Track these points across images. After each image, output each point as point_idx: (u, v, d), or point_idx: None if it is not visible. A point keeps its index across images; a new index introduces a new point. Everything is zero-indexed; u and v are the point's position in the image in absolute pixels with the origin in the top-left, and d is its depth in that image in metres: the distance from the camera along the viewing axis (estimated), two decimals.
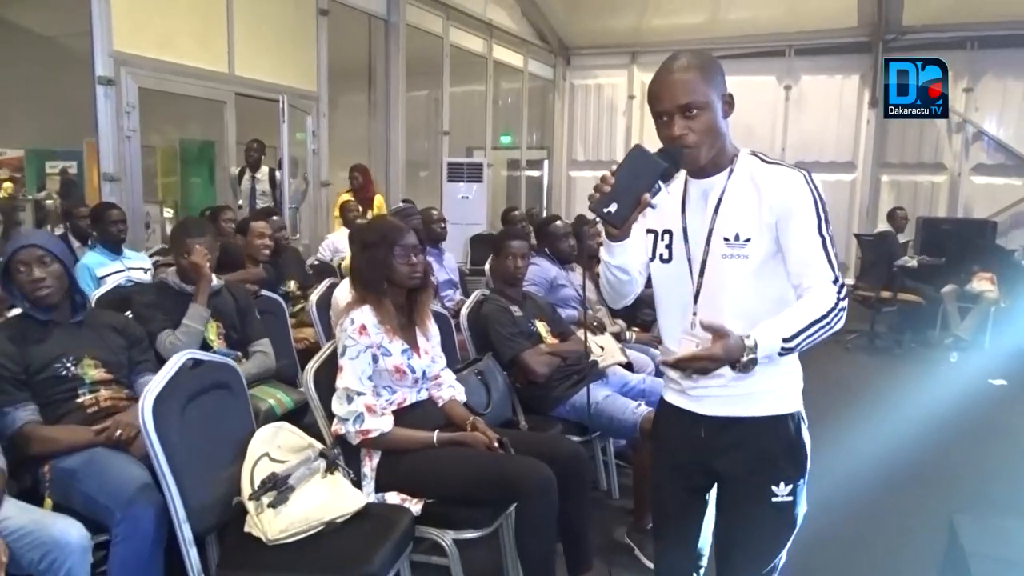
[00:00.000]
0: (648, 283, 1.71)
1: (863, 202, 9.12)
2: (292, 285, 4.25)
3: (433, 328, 2.50)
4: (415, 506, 2.21)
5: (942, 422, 4.38)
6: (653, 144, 1.54)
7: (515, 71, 9.74)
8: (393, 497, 2.24)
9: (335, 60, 6.72)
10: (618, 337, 3.80)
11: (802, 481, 1.59)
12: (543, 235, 4.11)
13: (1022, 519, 3.10)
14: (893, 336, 7.15)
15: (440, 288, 4.16)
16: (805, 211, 1.49)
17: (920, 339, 7.05)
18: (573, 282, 3.97)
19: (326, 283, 3.59)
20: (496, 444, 2.30)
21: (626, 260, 1.59)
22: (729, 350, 1.39)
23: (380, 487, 2.26)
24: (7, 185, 8.33)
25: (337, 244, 5.43)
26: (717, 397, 1.58)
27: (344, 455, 2.21)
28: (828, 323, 1.44)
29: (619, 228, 1.50)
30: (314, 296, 3.51)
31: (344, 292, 3.19)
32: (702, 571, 1.79)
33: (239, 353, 2.81)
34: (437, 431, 2.32)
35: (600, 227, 1.56)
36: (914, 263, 7.15)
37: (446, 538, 2.22)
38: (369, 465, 2.27)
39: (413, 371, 2.33)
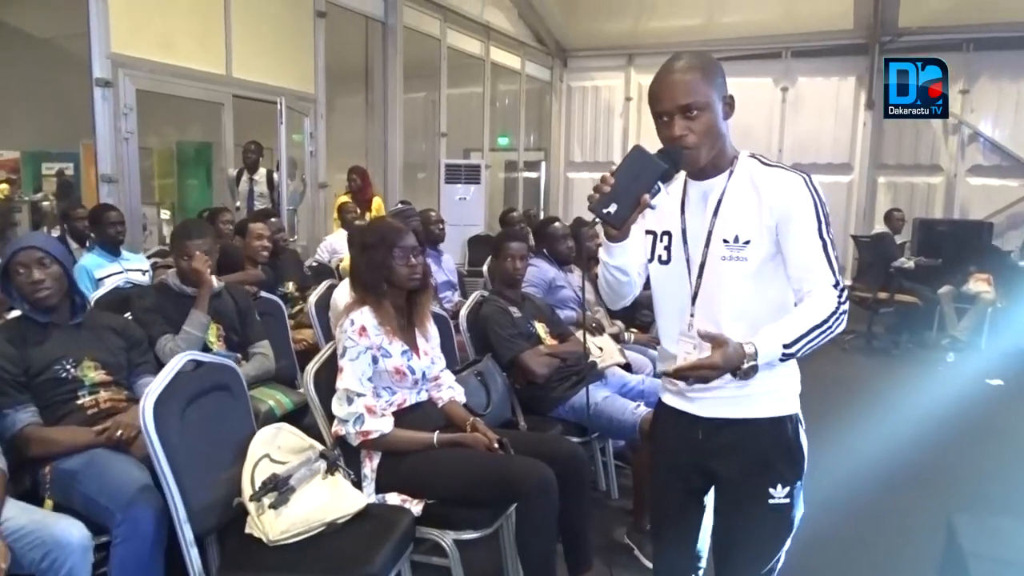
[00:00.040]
0: (646, 285, 1.70)
1: (859, 203, 9.15)
2: (291, 286, 4.25)
3: (432, 329, 2.50)
4: (415, 507, 2.21)
5: (939, 422, 4.39)
6: (652, 145, 1.54)
7: (512, 73, 9.76)
8: (393, 498, 2.24)
9: (332, 62, 6.72)
10: (617, 338, 3.81)
11: (799, 483, 1.59)
12: (541, 236, 4.12)
13: (1020, 519, 3.11)
14: (890, 337, 7.17)
15: (439, 289, 4.16)
16: (805, 214, 1.49)
17: (917, 340, 7.07)
18: (571, 283, 3.97)
19: (325, 284, 3.59)
20: (496, 445, 2.30)
21: (625, 261, 1.59)
22: (728, 358, 1.39)
23: (380, 488, 2.26)
24: (3, 187, 8.33)
25: (335, 245, 5.43)
26: (714, 399, 1.58)
27: (344, 456, 2.22)
28: (829, 328, 1.44)
29: (618, 229, 1.49)
30: (313, 297, 3.51)
31: (343, 293, 3.19)
32: (701, 572, 1.79)
33: (239, 355, 2.81)
34: (437, 432, 2.32)
35: (599, 228, 1.56)
36: (911, 264, 7.18)
37: (446, 539, 2.22)
38: (369, 466, 2.27)
39: (413, 372, 2.33)
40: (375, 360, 2.27)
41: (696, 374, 1.42)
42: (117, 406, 2.27)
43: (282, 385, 2.99)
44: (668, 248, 1.63)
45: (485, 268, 4.97)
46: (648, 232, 1.66)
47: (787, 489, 1.57)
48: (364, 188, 6.32)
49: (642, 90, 10.09)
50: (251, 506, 1.95)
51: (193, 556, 1.86)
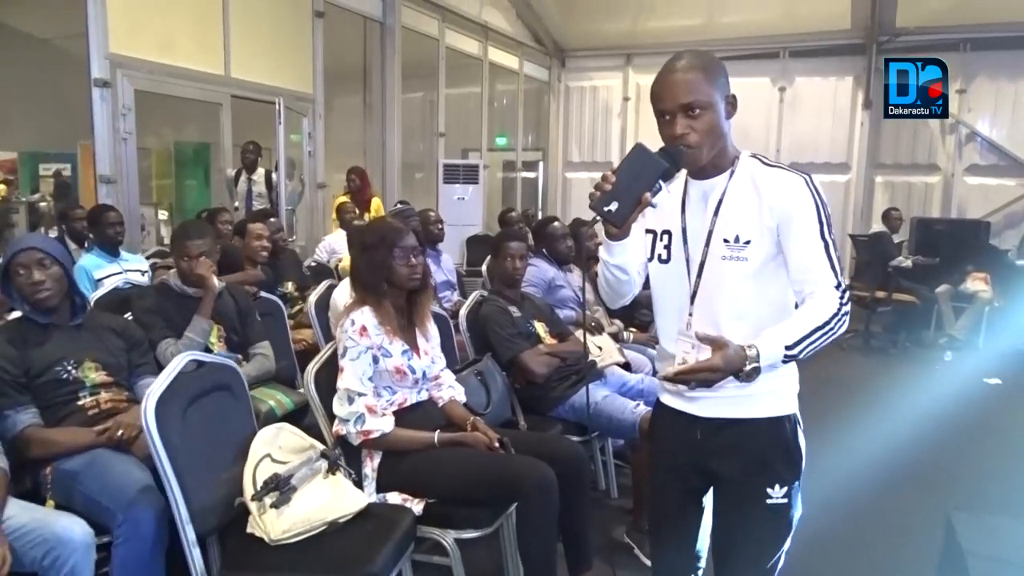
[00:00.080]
0: (645, 285, 1.70)
1: (857, 203, 9.16)
2: (290, 287, 4.25)
3: (433, 329, 2.50)
4: (416, 506, 2.21)
5: (937, 421, 4.41)
6: (652, 145, 1.54)
7: (511, 73, 9.76)
8: (394, 497, 2.24)
9: (331, 63, 6.72)
10: (616, 337, 3.82)
11: (797, 484, 1.60)
12: (541, 236, 4.13)
13: (1018, 517, 3.12)
14: (888, 336, 7.18)
15: (438, 289, 4.16)
16: (807, 216, 1.49)
17: (915, 339, 7.09)
18: (571, 283, 3.98)
19: (324, 284, 3.60)
20: (497, 444, 2.31)
21: (625, 260, 1.59)
22: (729, 360, 1.39)
23: (381, 487, 2.26)
24: (0, 188, 8.30)
25: (334, 245, 5.43)
26: (713, 398, 1.58)
27: (345, 456, 2.22)
28: (831, 329, 1.44)
29: (619, 227, 1.49)
30: (313, 297, 3.51)
31: (343, 293, 3.19)
32: (700, 572, 1.79)
33: (239, 356, 2.81)
34: (438, 431, 2.32)
35: (597, 228, 1.56)
36: (909, 263, 7.19)
37: (447, 538, 2.22)
38: (370, 465, 2.28)
39: (413, 372, 2.34)
40: (376, 360, 2.27)
41: (698, 377, 1.41)
42: (118, 407, 2.27)
43: (282, 385, 2.99)
44: (668, 247, 1.63)
45: (484, 268, 4.97)
46: (648, 231, 1.66)
47: (785, 489, 1.57)
48: (363, 188, 6.32)
49: (640, 90, 10.12)
50: (253, 506, 1.96)
51: (195, 556, 1.86)
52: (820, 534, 2.20)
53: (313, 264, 5.25)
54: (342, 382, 2.24)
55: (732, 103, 1.54)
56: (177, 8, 5.23)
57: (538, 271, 3.85)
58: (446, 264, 4.85)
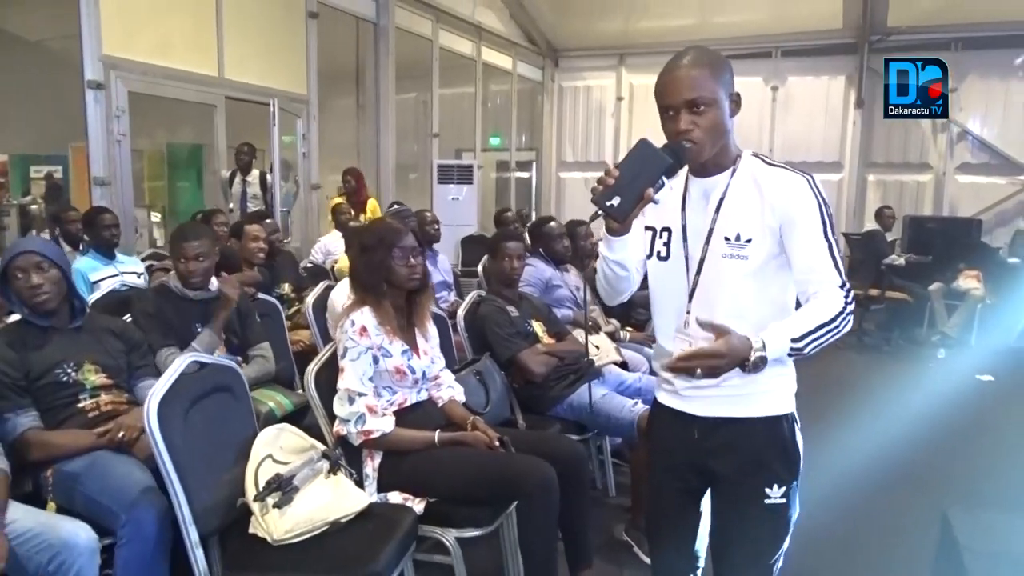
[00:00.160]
0: (643, 284, 1.70)
1: (850, 201, 9.21)
2: (286, 288, 4.24)
3: (432, 329, 2.51)
4: (417, 505, 2.22)
5: (931, 418, 4.43)
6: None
7: (504, 73, 9.77)
8: (395, 497, 2.25)
9: (324, 64, 6.71)
10: (612, 336, 3.83)
11: (795, 483, 1.59)
12: (538, 236, 4.13)
13: (1014, 512, 3.15)
14: (881, 334, 7.21)
15: (435, 289, 4.17)
16: (810, 216, 1.49)
17: (908, 336, 7.12)
18: (567, 283, 3.99)
19: (322, 285, 3.60)
20: (497, 443, 2.31)
21: (625, 256, 1.59)
22: (733, 347, 1.37)
23: (382, 487, 2.27)
24: None
25: (329, 247, 5.44)
26: (710, 398, 1.58)
27: (346, 456, 2.22)
28: (836, 327, 1.43)
29: (621, 222, 1.49)
30: (310, 298, 3.51)
31: (340, 294, 3.20)
32: (699, 572, 1.79)
33: (239, 358, 2.81)
34: (438, 431, 2.33)
35: (594, 227, 1.56)
36: (901, 261, 7.24)
37: (448, 537, 2.23)
38: (371, 465, 2.29)
39: (413, 372, 2.35)
40: (376, 360, 2.28)
41: (703, 363, 1.38)
42: (118, 409, 2.27)
43: (281, 387, 2.99)
44: (667, 244, 1.62)
45: (479, 268, 4.99)
46: (647, 228, 1.65)
47: (783, 489, 1.57)
48: (359, 189, 6.32)
49: (633, 90, 10.14)
50: (255, 506, 1.96)
51: (198, 557, 1.86)
52: (815, 532, 2.22)
53: (309, 265, 5.25)
54: (342, 382, 2.25)
55: (736, 101, 1.54)
56: (171, 10, 5.22)
57: (535, 271, 3.86)
58: (443, 264, 4.86)
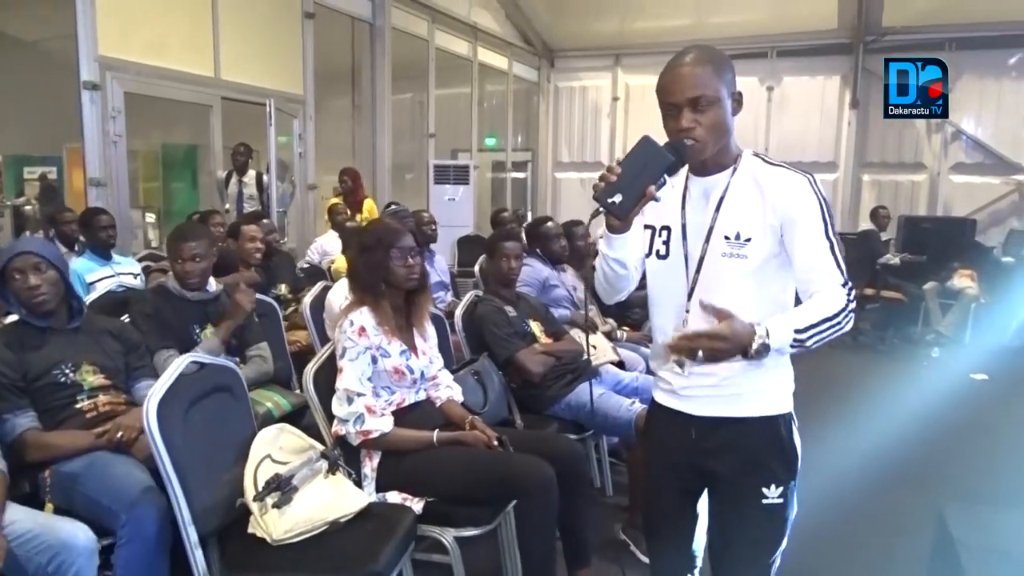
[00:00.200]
0: (640, 285, 1.70)
1: (845, 201, 9.23)
2: (283, 288, 4.24)
3: (430, 329, 2.52)
4: (416, 505, 2.23)
5: (926, 417, 4.45)
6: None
7: (500, 73, 9.77)
8: (394, 496, 2.25)
9: (320, 64, 6.71)
10: (609, 336, 3.84)
11: (793, 483, 1.60)
12: (535, 236, 4.14)
13: (1008, 509, 3.16)
14: (876, 333, 7.24)
15: (432, 290, 4.17)
16: (811, 216, 1.49)
17: (903, 335, 7.16)
18: (565, 282, 4.00)
19: (319, 286, 3.60)
20: (495, 443, 2.32)
21: (625, 254, 1.59)
22: (736, 332, 1.35)
23: (381, 487, 2.28)
24: None
25: (326, 247, 5.44)
26: (707, 397, 1.58)
27: (344, 456, 2.23)
28: (839, 323, 1.43)
29: (622, 220, 1.49)
30: (308, 299, 3.51)
31: (337, 295, 3.21)
32: (696, 571, 1.79)
33: (237, 359, 2.80)
34: (437, 431, 2.34)
35: (592, 228, 1.56)
36: (896, 261, 7.27)
37: (447, 536, 2.24)
38: (370, 465, 2.29)
39: (411, 372, 2.35)
40: (374, 360, 2.29)
41: (706, 344, 1.36)
42: (116, 409, 2.27)
43: (279, 387, 2.99)
44: (667, 243, 1.62)
45: (476, 268, 4.99)
46: (647, 227, 1.65)
47: (781, 489, 1.57)
48: (356, 190, 6.32)
49: (629, 90, 10.15)
50: (254, 506, 1.96)
51: (198, 557, 1.87)
52: (812, 531, 2.21)
53: (306, 265, 5.24)
54: (341, 382, 2.25)
55: (738, 100, 1.55)
56: (167, 10, 5.21)
57: (532, 271, 3.86)
58: (439, 265, 4.86)
